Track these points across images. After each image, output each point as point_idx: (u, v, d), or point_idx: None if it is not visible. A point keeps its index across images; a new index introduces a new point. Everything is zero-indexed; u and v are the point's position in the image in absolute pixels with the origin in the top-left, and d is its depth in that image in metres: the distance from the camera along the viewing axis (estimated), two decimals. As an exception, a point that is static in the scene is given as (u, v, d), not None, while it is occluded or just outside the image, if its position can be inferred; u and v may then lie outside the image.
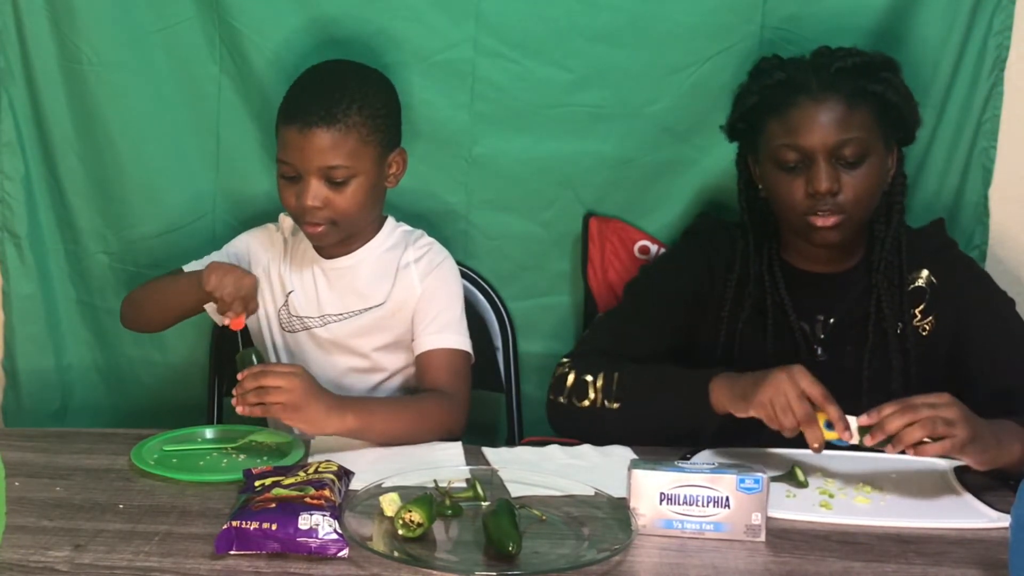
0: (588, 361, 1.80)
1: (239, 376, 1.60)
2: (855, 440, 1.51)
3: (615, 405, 1.73)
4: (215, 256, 1.96)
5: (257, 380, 1.57)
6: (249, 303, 1.77)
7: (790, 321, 1.81)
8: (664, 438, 1.69)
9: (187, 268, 1.94)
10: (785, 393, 1.54)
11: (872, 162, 1.73)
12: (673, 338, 1.87)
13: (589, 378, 1.76)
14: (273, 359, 1.96)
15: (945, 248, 1.85)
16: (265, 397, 1.57)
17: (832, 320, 1.82)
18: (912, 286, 1.80)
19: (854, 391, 1.77)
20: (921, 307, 1.80)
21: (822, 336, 1.82)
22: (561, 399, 1.79)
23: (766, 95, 1.77)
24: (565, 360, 1.83)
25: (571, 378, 1.78)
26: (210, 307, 1.87)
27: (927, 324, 1.80)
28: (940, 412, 1.45)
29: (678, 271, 1.90)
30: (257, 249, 1.97)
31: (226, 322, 1.72)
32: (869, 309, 1.79)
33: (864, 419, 1.48)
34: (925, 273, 1.81)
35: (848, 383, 1.78)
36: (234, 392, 1.61)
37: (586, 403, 1.76)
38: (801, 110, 1.71)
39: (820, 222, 1.72)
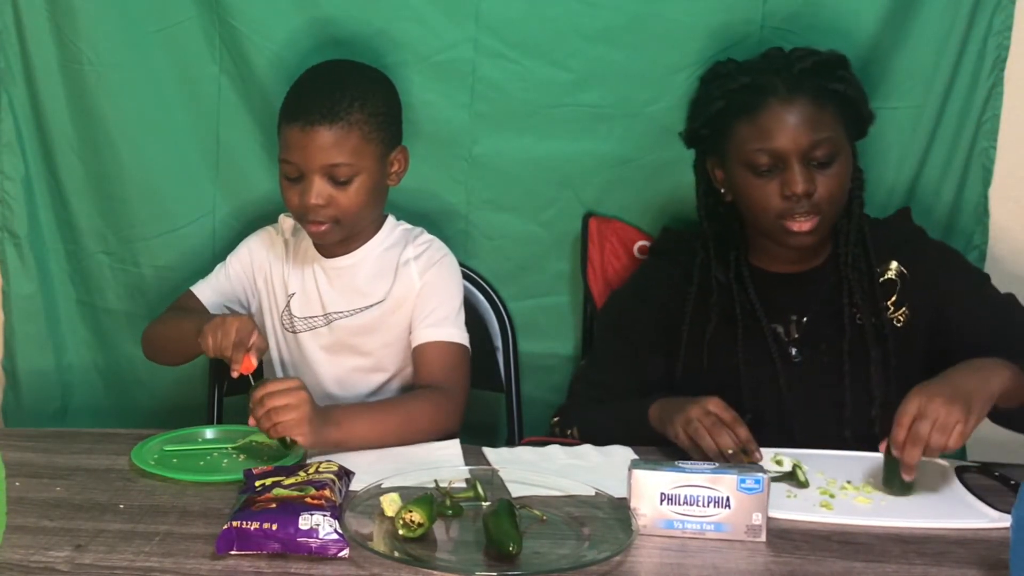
0: (569, 416, 1.86)
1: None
2: (762, 462, 1.54)
3: None
4: (218, 272, 1.96)
5: (265, 406, 1.56)
6: (247, 344, 1.67)
7: (761, 326, 1.81)
8: None
9: (195, 290, 1.94)
10: (698, 419, 1.56)
11: (842, 160, 1.74)
12: (660, 360, 1.88)
13: (569, 432, 1.82)
14: (277, 361, 1.97)
15: (913, 237, 1.85)
16: (276, 417, 1.56)
17: (805, 319, 1.81)
18: (882, 279, 1.80)
19: (835, 388, 1.77)
20: (893, 299, 1.80)
21: (796, 336, 1.81)
22: None
23: (732, 99, 1.77)
24: (555, 420, 1.88)
25: (557, 434, 1.84)
26: None
27: (901, 316, 1.79)
28: (945, 428, 1.45)
29: (644, 295, 1.91)
30: (259, 254, 1.96)
31: (235, 375, 1.68)
32: (841, 304, 1.79)
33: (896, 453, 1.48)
34: (895, 265, 1.81)
35: (827, 381, 1.78)
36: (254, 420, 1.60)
37: None
38: (771, 112, 1.72)
39: (797, 226, 1.72)
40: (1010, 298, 1.78)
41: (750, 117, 1.73)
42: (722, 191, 1.83)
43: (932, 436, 1.44)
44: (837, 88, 1.74)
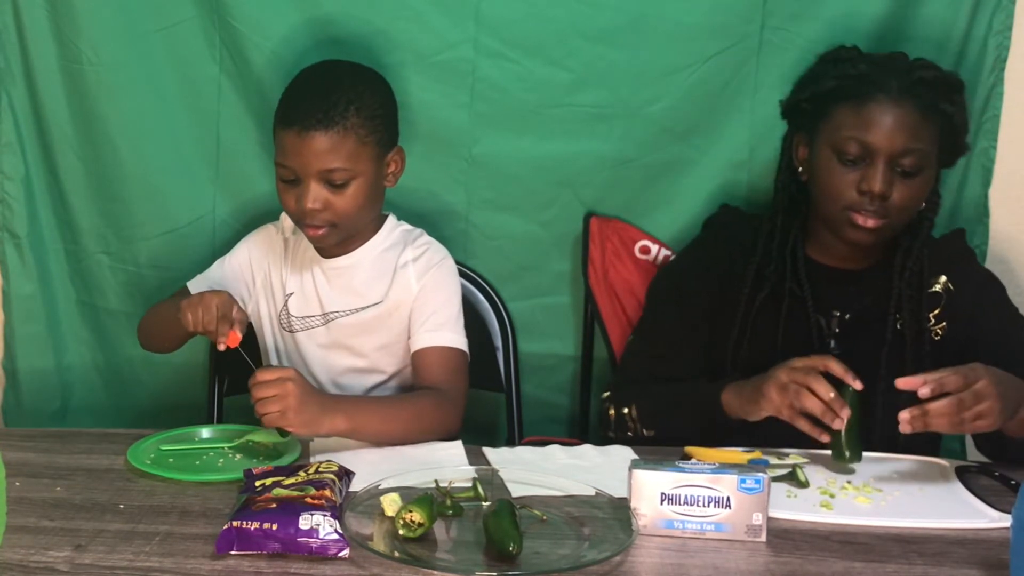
0: (623, 393, 1.84)
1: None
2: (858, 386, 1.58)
3: (651, 432, 1.77)
4: (215, 269, 1.96)
5: (254, 395, 1.57)
6: (231, 318, 1.71)
7: (807, 311, 1.81)
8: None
9: (191, 285, 1.94)
10: (793, 380, 1.56)
11: (925, 176, 1.75)
12: (707, 331, 1.88)
13: (626, 411, 1.80)
14: (275, 360, 1.96)
15: (964, 257, 1.88)
16: (262, 408, 1.57)
17: (848, 316, 1.82)
18: (930, 291, 1.82)
19: (867, 391, 1.76)
20: (936, 312, 1.81)
21: (836, 331, 1.82)
22: (611, 434, 1.83)
23: (845, 83, 1.77)
24: (606, 395, 1.87)
25: (612, 413, 1.83)
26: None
27: (940, 329, 1.81)
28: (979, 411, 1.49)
29: (700, 263, 1.91)
30: (257, 255, 1.96)
31: (221, 348, 1.70)
32: (885, 309, 1.80)
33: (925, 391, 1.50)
34: (943, 279, 1.83)
35: (861, 382, 1.77)
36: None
37: (630, 434, 1.79)
38: (879, 107, 1.72)
39: (862, 220, 1.73)
40: None
41: (855, 104, 1.74)
42: (799, 169, 1.84)
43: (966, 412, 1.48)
44: (947, 109, 1.75)
